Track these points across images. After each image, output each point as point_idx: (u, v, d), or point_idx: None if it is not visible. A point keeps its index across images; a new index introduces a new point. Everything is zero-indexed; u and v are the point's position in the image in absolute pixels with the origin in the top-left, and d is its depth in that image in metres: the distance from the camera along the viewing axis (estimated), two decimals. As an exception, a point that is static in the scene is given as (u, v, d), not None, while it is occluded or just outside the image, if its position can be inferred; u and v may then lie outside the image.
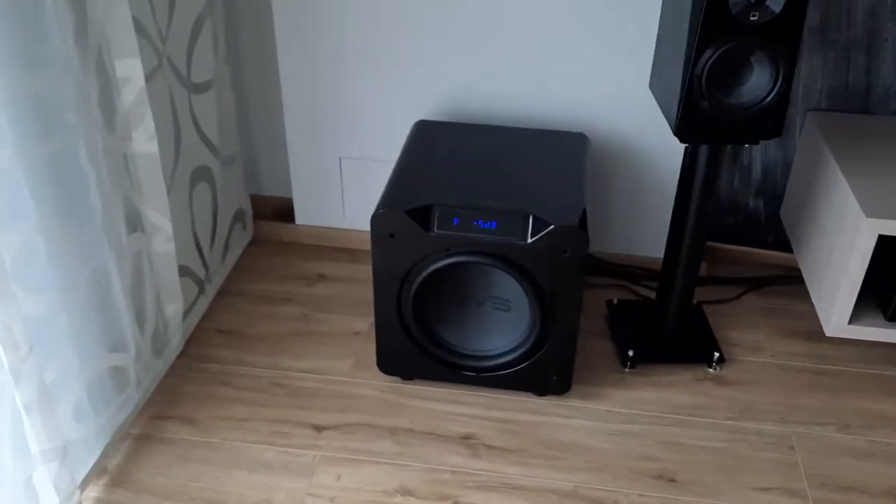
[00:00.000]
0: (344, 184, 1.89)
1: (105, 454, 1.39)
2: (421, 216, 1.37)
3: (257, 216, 2.00)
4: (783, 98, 1.30)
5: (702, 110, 1.30)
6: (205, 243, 1.70)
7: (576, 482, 1.39)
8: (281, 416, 1.51)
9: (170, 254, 1.49)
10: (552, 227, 1.33)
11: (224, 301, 1.79)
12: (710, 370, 1.63)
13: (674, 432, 1.49)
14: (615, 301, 1.76)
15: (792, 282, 1.84)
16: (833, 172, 1.56)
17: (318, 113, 1.81)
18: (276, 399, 1.54)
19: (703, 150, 1.41)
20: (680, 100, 1.30)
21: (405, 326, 1.48)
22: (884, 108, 1.72)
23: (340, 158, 1.86)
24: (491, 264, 1.38)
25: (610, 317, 1.74)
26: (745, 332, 1.73)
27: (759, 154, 1.82)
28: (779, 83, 1.29)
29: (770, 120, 1.32)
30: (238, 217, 1.89)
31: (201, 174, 1.66)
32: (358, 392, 1.56)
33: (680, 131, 1.33)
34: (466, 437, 1.47)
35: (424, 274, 1.40)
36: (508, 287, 1.46)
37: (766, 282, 1.86)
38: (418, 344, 1.50)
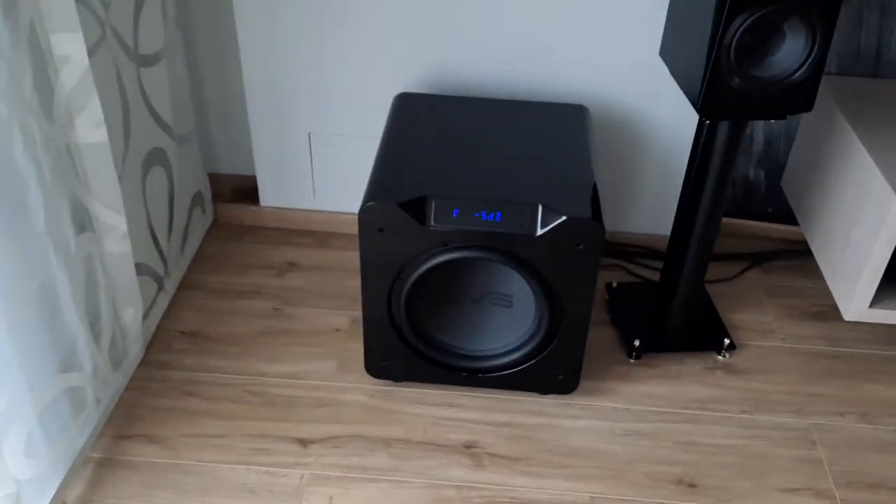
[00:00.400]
0: (314, 162, 1.71)
1: (64, 484, 1.22)
2: (415, 208, 1.21)
3: (216, 197, 1.81)
4: (818, 69, 1.17)
5: (728, 85, 1.17)
6: (161, 234, 1.52)
7: (591, 492, 1.28)
8: (260, 429, 1.35)
9: (125, 254, 1.31)
10: (564, 218, 1.19)
11: (185, 297, 1.61)
12: (720, 358, 1.53)
13: (688, 430, 1.39)
14: (614, 284, 1.64)
15: (796, 256, 1.75)
16: (851, 143, 1.44)
17: (282, 84, 1.62)
18: (252, 410, 1.39)
19: (723, 127, 1.28)
20: (705, 73, 1.16)
21: (396, 327, 1.34)
22: (894, 71, 1.61)
23: (309, 134, 1.68)
24: (495, 260, 1.23)
25: (610, 301, 1.62)
26: (751, 314, 1.63)
27: (761, 122, 1.70)
28: (814, 52, 1.15)
29: (802, 93, 1.19)
30: (196, 201, 1.70)
31: (155, 157, 1.46)
32: (344, 398, 1.41)
33: (704, 108, 1.19)
34: (469, 446, 1.34)
35: (419, 272, 1.25)
36: (511, 282, 1.32)
37: (769, 256, 1.76)
38: (411, 345, 1.35)
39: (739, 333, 1.58)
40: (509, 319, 1.36)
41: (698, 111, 1.20)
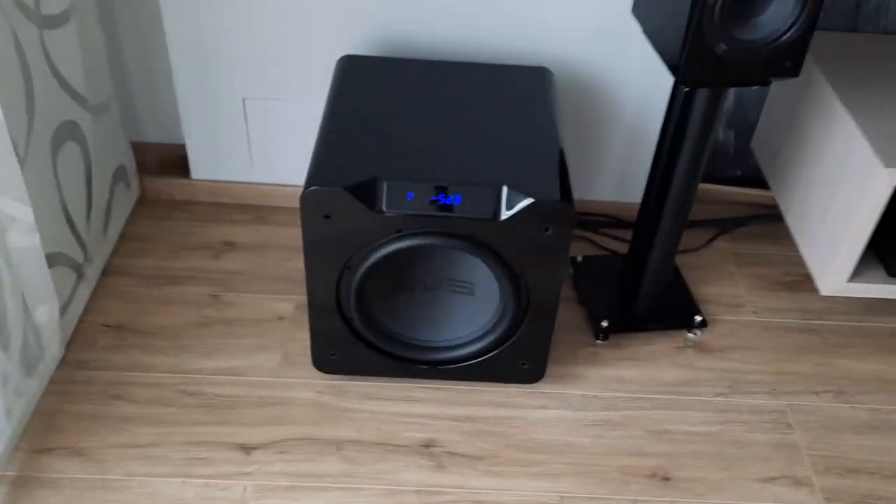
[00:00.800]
0: (250, 129, 1.55)
1: (-28, 511, 1.09)
2: (365, 192, 1.07)
3: (143, 170, 1.64)
4: (808, 30, 1.06)
5: (711, 50, 1.05)
6: (79, 217, 1.35)
7: (560, 491, 1.19)
8: (197, 436, 1.22)
9: (33, 247, 1.15)
10: (531, 200, 1.07)
11: (111, 284, 1.45)
12: (691, 336, 1.44)
13: (660, 417, 1.30)
14: (580, 259, 1.54)
15: (767, 221, 1.66)
16: (830, 104, 1.34)
17: (211, 44, 1.44)
18: (187, 413, 1.25)
19: (702, 93, 1.16)
20: (686, 37, 1.04)
21: (346, 318, 1.21)
22: (873, 24, 1.51)
23: (244, 100, 1.52)
24: (455, 247, 1.11)
25: (576, 277, 1.52)
26: (722, 286, 1.55)
27: (731, 80, 1.59)
28: (804, 12, 1.04)
29: (790, 57, 1.08)
30: (120, 175, 1.53)
31: (67, 132, 1.29)
32: (291, 396, 1.29)
33: (684, 75, 1.07)
34: (427, 445, 1.24)
35: (371, 261, 1.12)
36: (471, 268, 1.20)
37: (738, 223, 1.68)
38: (362, 337, 1.23)
39: (710, 308, 1.50)
40: (470, 307, 1.25)
41: (677, 78, 1.09)
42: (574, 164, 1.58)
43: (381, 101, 1.23)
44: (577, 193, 1.63)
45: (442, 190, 1.08)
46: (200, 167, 1.62)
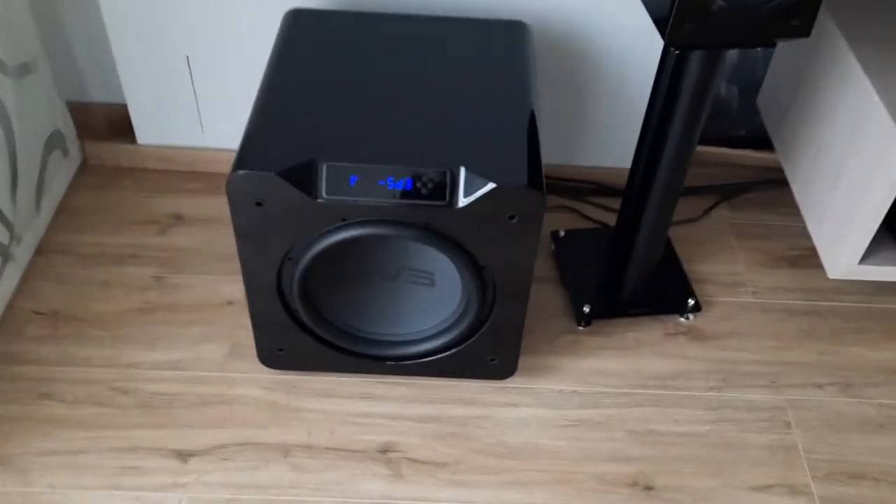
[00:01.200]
0: (197, 90, 1.40)
1: None
2: (301, 176, 0.93)
3: (85, 133, 1.49)
4: (821, -17, 0.89)
5: (706, 6, 0.88)
6: (2, 194, 1.21)
7: (530, 503, 1.08)
8: (130, 440, 1.11)
9: (-69, 238, 1.01)
10: (492, 186, 0.92)
11: (45, 264, 1.32)
12: (683, 320, 1.31)
13: (646, 416, 1.18)
14: (562, 233, 1.39)
15: (770, 187, 1.51)
16: (845, 62, 1.18)
17: (145, -5, 1.28)
18: (122, 415, 1.14)
19: (697, 56, 1.00)
20: (676, -10, 0.87)
21: (291, 312, 1.08)
22: (897, -33, 1.33)
23: (188, 57, 1.36)
24: (407, 237, 0.97)
25: (556, 253, 1.37)
26: (719, 263, 1.41)
27: (736, 30, 1.41)
28: (817, -39, 0.87)
29: (798, 15, 0.92)
30: (54, 143, 1.39)
31: (-23, 99, 1.15)
32: (235, 394, 1.17)
33: (674, 37, 0.91)
34: (385, 450, 1.12)
35: (313, 252, 0.99)
36: (430, 258, 1.06)
37: (739, 189, 1.52)
38: (311, 332, 1.11)
39: (705, 287, 1.36)
40: (431, 299, 1.11)
41: (666, 40, 0.92)
42: (556, 127, 1.43)
43: (327, 65, 1.07)
44: (560, 158, 1.49)
45: (390, 173, 0.93)
46: (147, 132, 1.47)
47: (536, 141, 0.99)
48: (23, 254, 1.30)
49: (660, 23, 0.93)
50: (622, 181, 1.40)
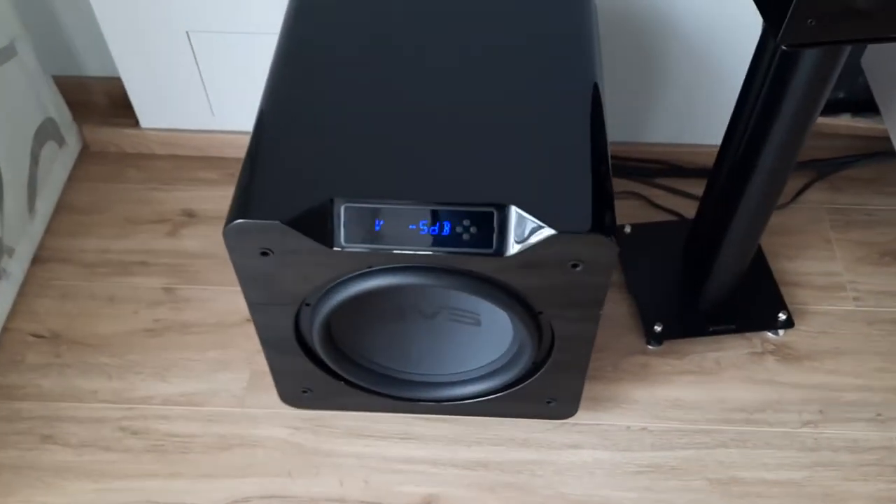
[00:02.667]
0: (202, 69, 1.21)
1: None
2: (314, 224, 0.75)
3: (84, 113, 1.32)
4: None
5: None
6: (-14, 205, 1.07)
7: (595, 572, 0.93)
8: (143, 494, 0.99)
9: None
10: (552, 232, 0.73)
11: (43, 275, 1.18)
12: (772, 335, 1.12)
13: (729, 459, 1.01)
14: (627, 228, 1.20)
15: (876, 161, 1.28)
16: None
17: (133, -37, 1.08)
18: (132, 461, 1.01)
19: (813, 54, 0.78)
20: (799, -22, 0.65)
21: (311, 355, 0.92)
22: None
23: (188, 33, 1.16)
24: (442, 286, 0.80)
25: (624, 255, 1.18)
26: (814, 260, 1.20)
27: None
28: None
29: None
30: (46, 133, 1.22)
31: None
32: (258, 435, 1.04)
33: (787, 31, 0.69)
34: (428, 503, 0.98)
35: (335, 301, 0.82)
36: (475, 298, 0.88)
37: (838, 165, 1.30)
38: (338, 377, 0.95)
39: (796, 293, 1.16)
40: (476, 338, 0.94)
41: (777, 38, 0.71)
42: (620, 96, 1.21)
43: (343, 62, 0.87)
44: (625, 135, 1.27)
45: (422, 216, 0.75)
46: (150, 115, 1.29)
47: (607, 166, 0.79)
48: (17, 267, 1.16)
49: (772, 17, 0.71)
50: (700, 160, 1.20)
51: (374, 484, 0.99)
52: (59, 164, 1.27)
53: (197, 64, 1.20)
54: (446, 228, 0.75)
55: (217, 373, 1.09)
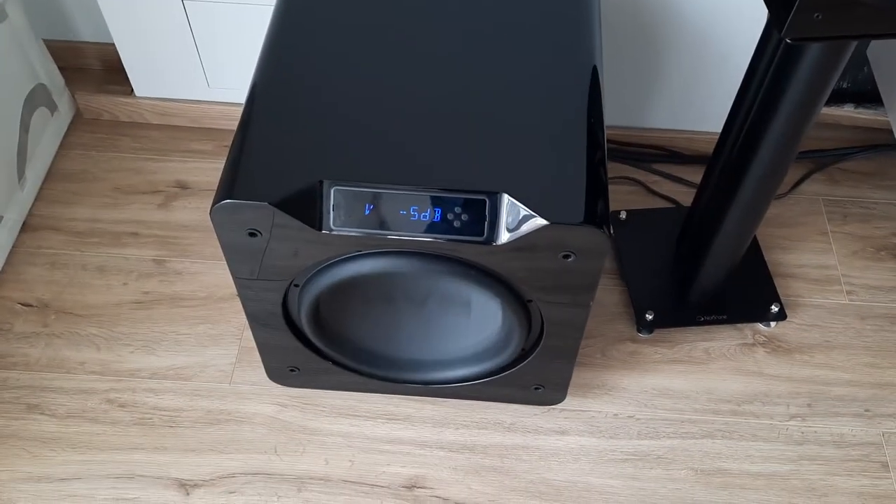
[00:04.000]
0: (197, 38, 1.19)
1: None
2: (302, 205, 0.74)
3: (78, 78, 1.31)
4: None
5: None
6: (-25, 171, 1.06)
7: (576, 558, 0.94)
8: (128, 466, 0.99)
9: None
10: (544, 223, 0.72)
11: (33, 243, 1.17)
12: (763, 326, 1.12)
13: (715, 450, 1.01)
14: (623, 215, 1.19)
15: (876, 153, 1.27)
16: None
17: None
18: (119, 434, 1.01)
19: (817, 48, 0.77)
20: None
21: (300, 335, 0.92)
22: None
23: (183, 1, 1.14)
24: (433, 272, 0.79)
25: (617, 242, 1.18)
26: (808, 252, 1.20)
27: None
28: None
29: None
30: (36, 100, 1.21)
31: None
32: (245, 411, 1.03)
33: (793, 25, 0.68)
34: (412, 485, 0.98)
35: (323, 284, 0.81)
36: (465, 285, 0.88)
37: (838, 156, 1.29)
38: (326, 356, 0.95)
39: (790, 284, 1.16)
40: (466, 323, 0.94)
41: (781, 32, 0.69)
42: (618, 81, 1.20)
43: (336, 42, 0.86)
44: (622, 119, 1.26)
45: (413, 201, 0.74)
46: (144, 83, 1.27)
47: (602, 155, 0.78)
48: (5, 235, 1.15)
49: (777, 10, 0.69)
50: (698, 147, 1.19)
51: (360, 463, 0.99)
52: (50, 130, 1.25)
53: (192, 32, 1.18)
54: (437, 215, 0.74)
55: (206, 347, 1.08)
